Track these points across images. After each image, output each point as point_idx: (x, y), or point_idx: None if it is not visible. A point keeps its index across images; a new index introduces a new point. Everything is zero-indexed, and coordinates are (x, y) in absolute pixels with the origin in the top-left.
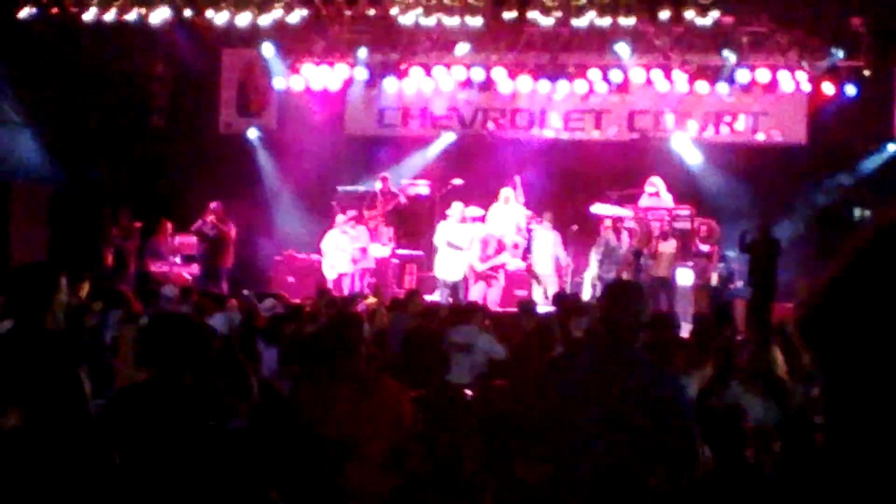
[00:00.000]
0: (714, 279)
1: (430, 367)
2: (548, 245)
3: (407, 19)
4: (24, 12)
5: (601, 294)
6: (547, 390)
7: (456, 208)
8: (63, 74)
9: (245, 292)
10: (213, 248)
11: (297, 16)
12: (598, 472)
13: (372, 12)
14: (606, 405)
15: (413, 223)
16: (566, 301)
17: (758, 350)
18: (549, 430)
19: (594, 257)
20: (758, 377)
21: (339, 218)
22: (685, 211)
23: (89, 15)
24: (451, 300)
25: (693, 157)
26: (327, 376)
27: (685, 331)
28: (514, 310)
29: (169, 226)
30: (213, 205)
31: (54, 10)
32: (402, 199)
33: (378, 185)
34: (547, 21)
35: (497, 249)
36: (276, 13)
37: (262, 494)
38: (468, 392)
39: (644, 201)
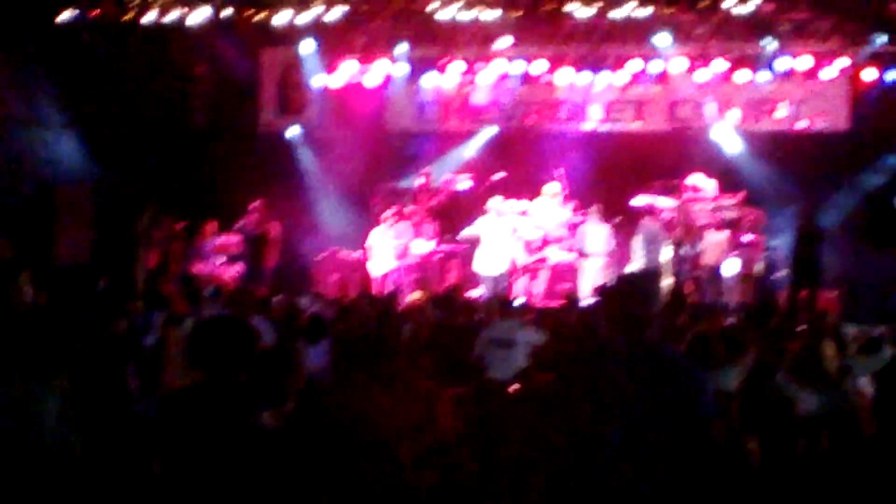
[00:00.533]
0: (759, 268)
1: (467, 365)
2: (599, 238)
3: (446, 14)
4: (64, 15)
5: (611, 287)
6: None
7: (494, 202)
8: (104, 77)
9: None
10: (256, 247)
11: (336, 13)
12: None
13: (411, 7)
14: (627, 401)
15: (457, 218)
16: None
17: (809, 342)
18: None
19: (637, 248)
20: (807, 369)
21: (384, 214)
22: (730, 200)
23: (129, 16)
24: (494, 294)
25: (735, 146)
26: (366, 376)
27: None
28: (561, 303)
29: (211, 226)
30: (254, 204)
31: (94, 13)
32: (445, 195)
33: (420, 181)
34: (586, 13)
35: (541, 243)
36: (315, 10)
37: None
38: (512, 387)
39: (685, 192)
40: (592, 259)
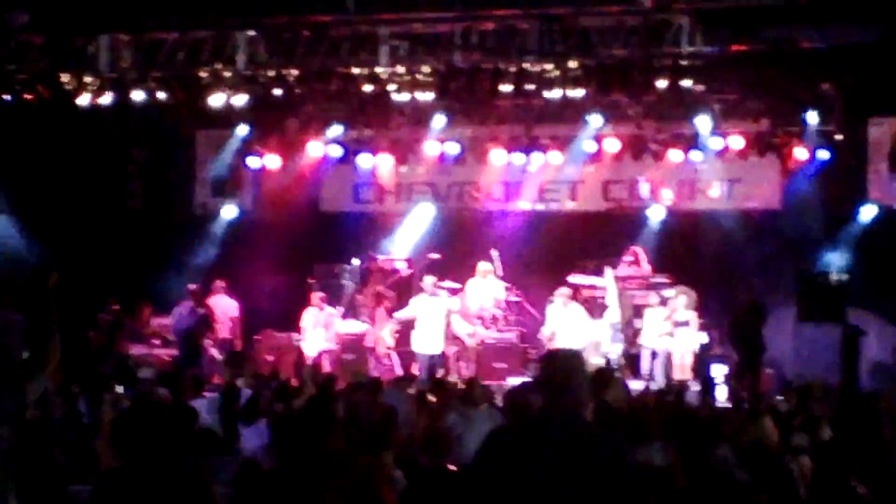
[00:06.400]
0: (696, 347)
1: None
2: (576, 324)
3: (380, 95)
4: None
5: (540, 365)
6: (490, 466)
7: (428, 282)
8: (40, 160)
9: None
10: (193, 329)
11: (271, 95)
12: None
13: (345, 90)
14: (551, 482)
15: (391, 300)
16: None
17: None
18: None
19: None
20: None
21: (315, 295)
22: (663, 279)
23: (65, 99)
24: (432, 374)
25: (669, 225)
26: (304, 455)
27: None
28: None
29: (147, 309)
30: (190, 287)
31: (28, 97)
32: (397, 277)
33: (365, 263)
34: (520, 94)
35: (471, 322)
36: (250, 93)
37: None
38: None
39: (622, 270)
40: (564, 341)
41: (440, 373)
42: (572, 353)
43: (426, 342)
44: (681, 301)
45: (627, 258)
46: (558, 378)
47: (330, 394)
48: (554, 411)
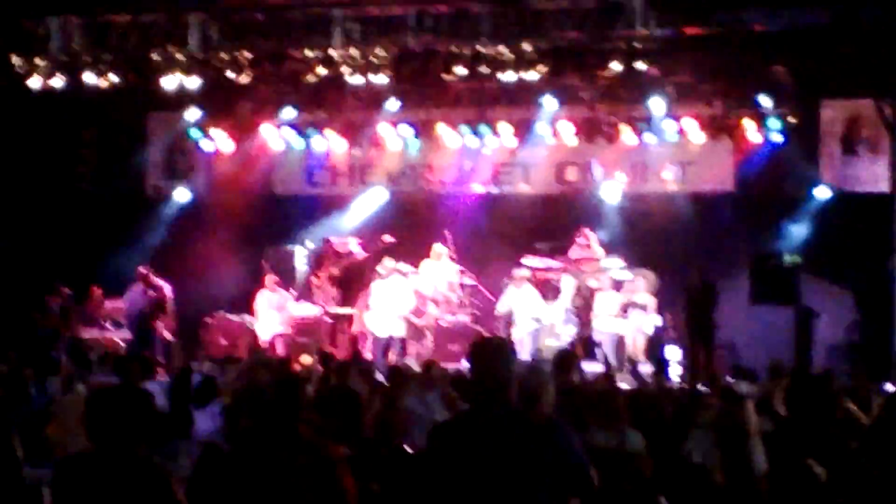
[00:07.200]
0: (650, 330)
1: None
2: (526, 301)
3: (333, 78)
4: None
5: (468, 354)
6: (434, 460)
7: (386, 265)
8: None
9: None
10: (145, 312)
11: (223, 78)
12: None
13: (298, 73)
14: (492, 473)
15: (345, 282)
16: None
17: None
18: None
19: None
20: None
21: (269, 278)
22: (617, 262)
23: (16, 82)
24: (385, 357)
25: (622, 208)
26: (266, 438)
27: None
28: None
29: (99, 291)
30: (142, 268)
31: None
32: (351, 259)
33: (320, 246)
34: (473, 76)
35: (426, 304)
36: (203, 76)
37: None
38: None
39: (574, 252)
40: (521, 324)
41: (394, 355)
42: (498, 341)
43: (381, 325)
44: (639, 284)
45: (580, 241)
46: (486, 367)
47: (287, 379)
48: (484, 401)
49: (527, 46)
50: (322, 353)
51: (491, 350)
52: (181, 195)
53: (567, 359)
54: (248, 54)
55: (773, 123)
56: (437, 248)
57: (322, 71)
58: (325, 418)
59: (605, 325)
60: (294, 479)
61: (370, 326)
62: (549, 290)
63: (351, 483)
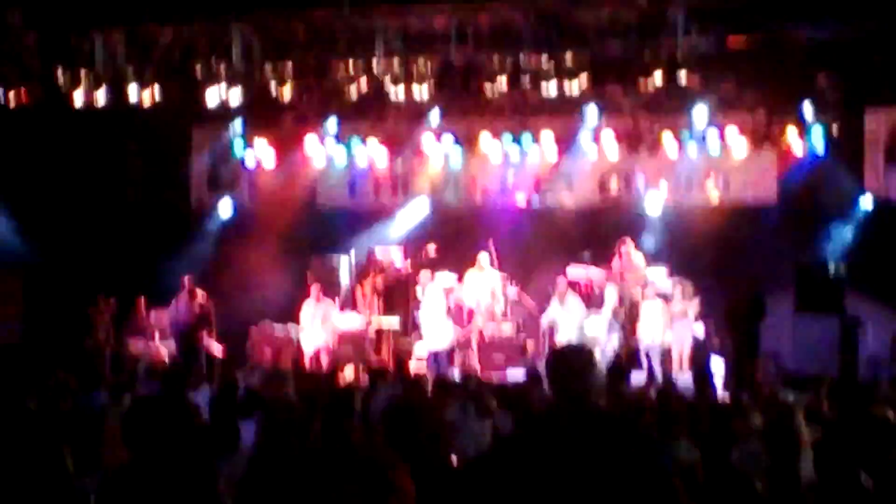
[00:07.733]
0: (694, 340)
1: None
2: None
3: (375, 90)
4: None
5: (547, 363)
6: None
7: (425, 276)
8: (35, 156)
9: None
10: (190, 323)
11: (266, 90)
12: None
13: (340, 84)
14: (574, 482)
15: (389, 292)
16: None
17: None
18: None
19: (571, 320)
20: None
21: (314, 288)
22: (660, 273)
23: (60, 97)
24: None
25: (665, 218)
26: (319, 452)
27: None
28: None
29: (144, 302)
30: (186, 279)
31: (23, 95)
32: (395, 270)
33: (364, 258)
34: (515, 88)
35: (469, 316)
36: (246, 89)
37: None
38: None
39: (617, 263)
40: (564, 333)
41: (441, 367)
42: (582, 348)
43: (435, 338)
44: (682, 294)
45: (623, 251)
46: (572, 373)
47: (336, 390)
48: (567, 405)
49: (568, 58)
50: (370, 368)
51: (577, 355)
52: (225, 207)
53: (619, 368)
54: (290, 67)
55: (817, 132)
56: (481, 257)
57: (364, 83)
58: (377, 430)
59: (650, 336)
60: (350, 488)
61: (426, 340)
62: (592, 300)
63: (409, 485)
